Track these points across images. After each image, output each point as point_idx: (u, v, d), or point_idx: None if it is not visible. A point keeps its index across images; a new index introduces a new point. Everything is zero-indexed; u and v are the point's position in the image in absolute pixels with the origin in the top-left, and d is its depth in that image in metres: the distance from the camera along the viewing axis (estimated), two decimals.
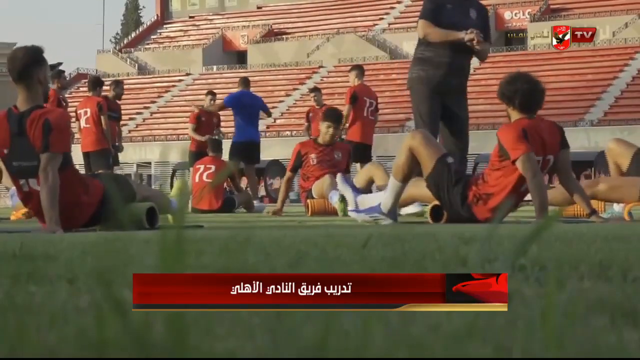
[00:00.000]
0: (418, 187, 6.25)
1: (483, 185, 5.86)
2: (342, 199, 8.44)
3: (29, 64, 5.09)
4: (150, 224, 5.31)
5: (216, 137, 14.05)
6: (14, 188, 10.15)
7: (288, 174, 9.70)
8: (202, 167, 11.90)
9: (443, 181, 5.94)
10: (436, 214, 6.04)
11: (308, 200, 9.22)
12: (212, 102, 15.05)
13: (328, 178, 9.09)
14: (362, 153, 12.02)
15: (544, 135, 5.81)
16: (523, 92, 5.79)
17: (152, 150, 42.44)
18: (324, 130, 9.71)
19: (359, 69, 12.86)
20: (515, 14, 49.06)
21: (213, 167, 11.83)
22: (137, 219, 5.27)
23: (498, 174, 5.81)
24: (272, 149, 32.25)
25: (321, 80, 46.22)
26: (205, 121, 14.95)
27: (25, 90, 5.10)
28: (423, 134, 6.22)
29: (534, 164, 5.68)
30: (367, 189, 8.76)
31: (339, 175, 7.88)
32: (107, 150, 12.71)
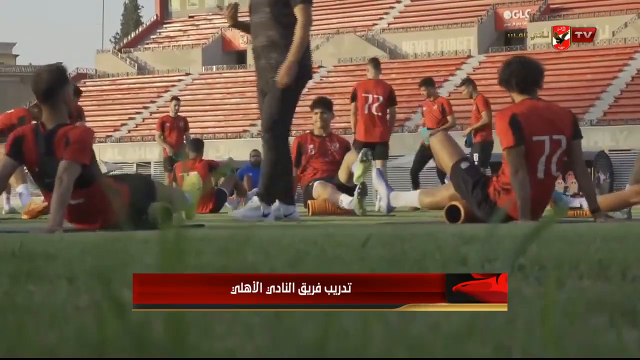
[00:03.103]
0: (451, 189, 6.29)
1: (501, 177, 5.87)
2: (360, 195, 8.48)
3: (54, 84, 5.21)
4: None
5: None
6: (20, 187, 10.25)
7: (293, 170, 9.62)
8: (184, 175, 11.96)
9: (462, 188, 6.01)
10: (453, 214, 6.03)
11: (309, 201, 9.24)
12: (176, 107, 15.31)
13: (328, 186, 9.09)
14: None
15: (547, 114, 5.77)
16: (517, 73, 5.82)
17: (151, 150, 42.41)
18: (314, 118, 9.78)
19: (371, 63, 12.40)
20: (515, 13, 49.07)
21: (195, 173, 11.86)
22: (152, 219, 5.38)
23: None
24: None
25: (321, 80, 46.21)
26: (170, 126, 15.19)
27: (50, 110, 5.23)
28: (439, 138, 6.37)
29: (516, 160, 5.66)
30: (346, 179, 8.85)
31: (375, 170, 7.94)
32: None
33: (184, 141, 15.12)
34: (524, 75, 5.82)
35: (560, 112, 5.91)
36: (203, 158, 12.25)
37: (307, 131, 10.24)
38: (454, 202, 6.05)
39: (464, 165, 6.10)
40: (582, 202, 7.07)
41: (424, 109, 13.40)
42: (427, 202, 6.71)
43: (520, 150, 5.67)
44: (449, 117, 13.29)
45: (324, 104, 9.95)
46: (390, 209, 7.69)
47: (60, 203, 5.03)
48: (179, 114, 15.51)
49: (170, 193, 6.03)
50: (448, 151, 6.19)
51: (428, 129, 12.97)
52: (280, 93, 6.56)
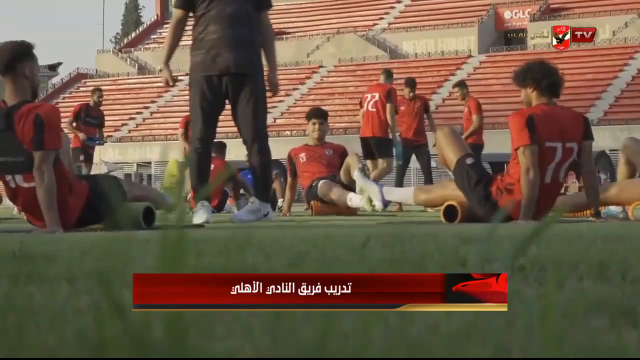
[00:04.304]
0: (448, 188, 6.30)
1: (505, 177, 5.85)
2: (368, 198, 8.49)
3: (15, 57, 5.01)
4: (147, 223, 5.31)
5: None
6: None
7: (289, 179, 9.81)
8: None
9: (464, 184, 5.98)
10: (450, 213, 6.03)
11: (312, 202, 9.27)
12: None
13: (334, 185, 9.10)
14: (364, 149, 11.96)
15: (562, 120, 5.74)
16: (553, 76, 5.80)
17: (152, 150, 42.45)
18: (310, 128, 9.83)
19: (384, 72, 12.82)
20: (515, 13, 49.09)
21: (212, 166, 11.91)
22: (134, 219, 5.26)
23: (516, 163, 5.77)
24: (273, 149, 32.28)
25: (321, 79, 46.21)
26: None
27: (11, 84, 5.02)
28: (445, 131, 6.33)
29: (529, 159, 5.63)
30: (348, 181, 8.86)
31: (356, 172, 7.96)
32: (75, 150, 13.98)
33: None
34: (558, 79, 5.82)
35: (574, 117, 5.85)
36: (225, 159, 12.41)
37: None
38: (451, 202, 6.05)
39: (469, 161, 6.06)
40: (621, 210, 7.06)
41: (402, 107, 13.30)
42: (422, 199, 6.71)
43: (534, 149, 5.63)
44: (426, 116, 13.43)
45: (322, 115, 10.04)
46: (386, 203, 7.76)
47: (50, 201, 4.87)
48: None
49: (143, 192, 5.87)
50: (453, 146, 6.15)
51: (404, 140, 12.88)
52: (263, 100, 6.41)
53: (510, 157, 5.86)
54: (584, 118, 5.92)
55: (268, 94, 6.53)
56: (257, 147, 6.41)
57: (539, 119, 5.65)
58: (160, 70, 6.44)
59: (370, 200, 8.45)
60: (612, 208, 6.78)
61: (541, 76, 5.75)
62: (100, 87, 15.40)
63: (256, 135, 6.38)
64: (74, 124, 14.06)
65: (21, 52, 5.04)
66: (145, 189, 6.89)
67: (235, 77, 6.34)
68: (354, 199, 8.74)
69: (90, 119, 14.32)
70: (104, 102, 15.07)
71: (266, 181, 6.58)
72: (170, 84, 6.38)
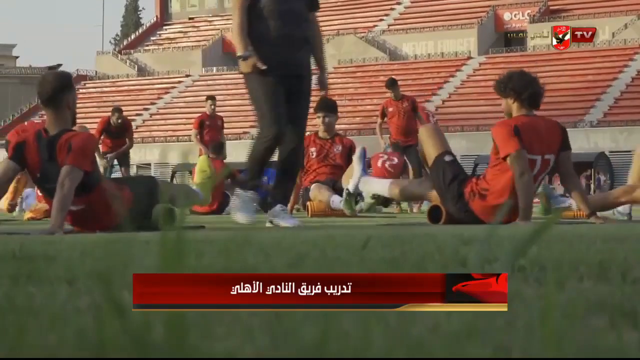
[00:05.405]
0: (422, 185, 6.37)
1: (481, 182, 5.93)
2: (348, 196, 8.45)
3: (58, 89, 5.18)
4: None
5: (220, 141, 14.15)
6: (27, 190, 10.34)
7: None
8: None
9: (439, 180, 6.05)
10: (435, 214, 6.09)
11: (308, 202, 9.23)
12: (212, 107, 15.07)
13: (323, 188, 9.09)
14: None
15: (542, 132, 5.83)
16: (534, 87, 5.83)
17: (151, 152, 42.43)
18: (319, 122, 9.70)
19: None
20: (515, 15, 49.08)
21: (205, 156, 12.04)
22: (154, 221, 5.40)
23: (495, 170, 5.87)
24: None
25: None
26: (209, 125, 15.01)
27: (53, 115, 5.20)
28: (428, 128, 6.41)
29: (522, 163, 5.70)
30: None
31: (360, 148, 7.93)
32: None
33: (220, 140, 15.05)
34: (539, 90, 5.87)
35: (552, 129, 5.93)
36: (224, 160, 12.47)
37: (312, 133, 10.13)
38: (436, 203, 6.12)
39: (447, 158, 6.15)
40: (572, 201, 7.08)
41: (390, 109, 13.20)
42: (397, 192, 6.71)
43: (525, 153, 5.70)
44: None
45: (326, 108, 9.75)
46: (356, 191, 7.68)
47: (61, 206, 5.02)
48: (216, 113, 15.37)
49: (175, 191, 6.02)
50: (434, 142, 6.22)
51: (394, 141, 12.82)
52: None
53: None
54: (561, 128, 5.96)
55: (317, 92, 6.39)
56: (302, 148, 6.15)
57: (522, 129, 5.74)
58: (244, 59, 5.90)
59: (350, 204, 8.44)
60: (620, 209, 6.81)
61: (521, 88, 5.83)
62: (120, 107, 15.32)
63: (303, 136, 6.15)
64: (102, 138, 14.25)
65: (63, 84, 5.25)
66: (176, 187, 7.01)
67: (296, 77, 6.04)
68: (335, 201, 8.76)
69: (112, 135, 14.45)
70: (103, 104, 15.12)
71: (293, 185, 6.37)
72: (263, 67, 5.88)
